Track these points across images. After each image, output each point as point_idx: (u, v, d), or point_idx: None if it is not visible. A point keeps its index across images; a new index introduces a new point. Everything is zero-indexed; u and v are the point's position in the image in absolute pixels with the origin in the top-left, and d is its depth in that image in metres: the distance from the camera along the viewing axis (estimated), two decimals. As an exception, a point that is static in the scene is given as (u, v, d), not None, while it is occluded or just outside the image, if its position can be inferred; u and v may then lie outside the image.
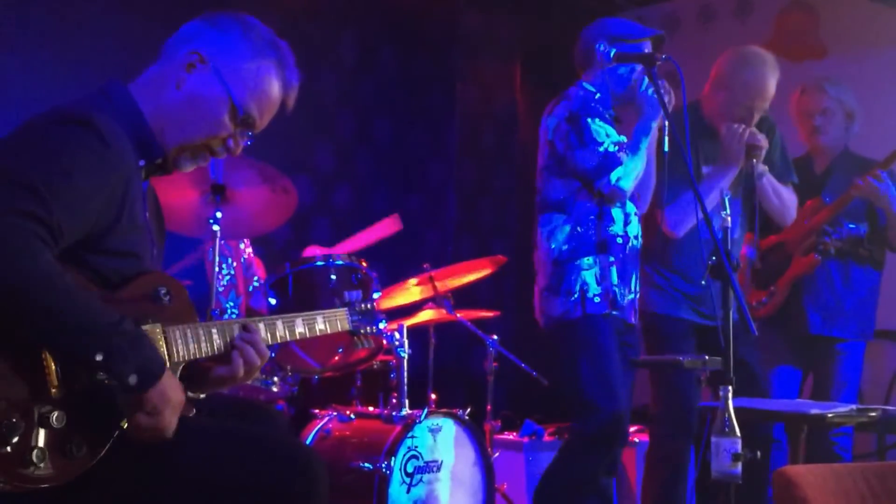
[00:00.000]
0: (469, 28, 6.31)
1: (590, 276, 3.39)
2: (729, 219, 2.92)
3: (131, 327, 1.86)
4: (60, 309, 1.76)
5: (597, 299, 3.38)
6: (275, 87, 2.16)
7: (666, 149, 3.34)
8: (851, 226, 4.14)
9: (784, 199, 3.87)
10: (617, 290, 3.41)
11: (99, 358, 1.79)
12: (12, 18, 4.19)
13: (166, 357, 1.97)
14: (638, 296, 3.55)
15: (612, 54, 3.42)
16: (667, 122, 3.27)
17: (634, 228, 3.52)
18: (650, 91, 3.38)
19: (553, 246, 3.44)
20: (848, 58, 5.27)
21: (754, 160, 3.68)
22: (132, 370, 1.82)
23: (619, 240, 3.44)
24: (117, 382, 1.83)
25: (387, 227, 4.45)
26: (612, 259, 3.41)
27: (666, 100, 3.32)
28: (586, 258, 3.40)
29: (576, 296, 3.39)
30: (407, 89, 6.03)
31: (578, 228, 3.42)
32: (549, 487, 3.45)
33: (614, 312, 3.41)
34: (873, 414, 3.18)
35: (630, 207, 3.50)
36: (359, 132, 5.77)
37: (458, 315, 4.15)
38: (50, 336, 1.79)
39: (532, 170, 3.60)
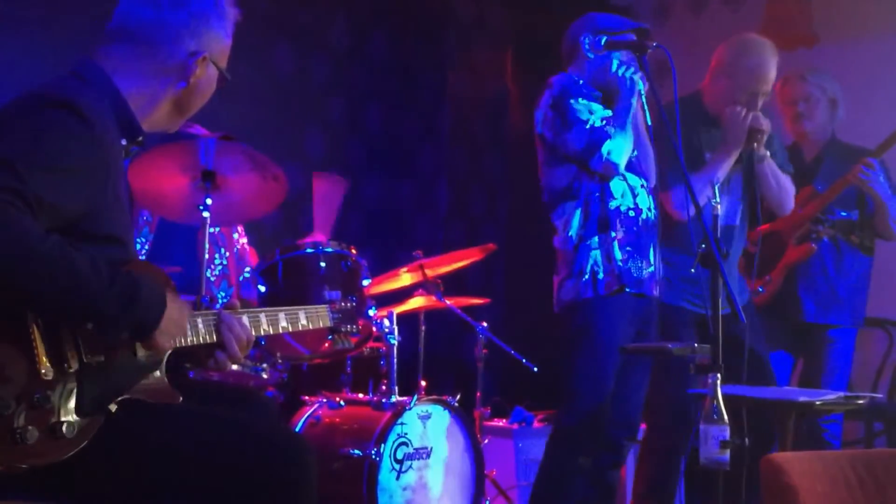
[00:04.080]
0: (461, 15, 6.30)
1: (599, 256, 3.39)
2: (719, 206, 2.94)
3: (122, 287, 1.87)
4: (42, 277, 1.77)
5: (606, 279, 3.38)
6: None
7: (649, 122, 3.38)
8: (843, 213, 4.17)
9: (783, 185, 3.86)
10: (627, 264, 3.39)
11: (89, 325, 1.86)
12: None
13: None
14: (660, 269, 3.53)
15: (602, 41, 3.44)
16: (644, 99, 3.32)
17: (645, 200, 3.50)
18: (621, 71, 3.40)
19: (571, 233, 3.44)
20: (839, 46, 5.27)
21: (755, 143, 3.69)
22: (124, 330, 1.90)
23: (632, 213, 3.44)
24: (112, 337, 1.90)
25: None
26: (613, 234, 3.39)
27: (645, 82, 3.37)
28: (594, 238, 3.40)
29: (587, 276, 3.39)
30: (398, 76, 6.02)
31: (588, 209, 3.42)
32: (542, 481, 3.47)
33: (627, 290, 3.39)
34: (861, 401, 3.19)
35: (634, 180, 3.48)
36: (350, 119, 5.76)
37: (448, 302, 4.15)
38: (37, 305, 1.82)
39: (523, 157, 3.61)
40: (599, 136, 3.35)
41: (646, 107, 3.39)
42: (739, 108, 3.68)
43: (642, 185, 3.51)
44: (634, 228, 3.43)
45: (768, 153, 3.78)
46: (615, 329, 3.39)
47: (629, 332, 3.45)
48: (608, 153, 3.34)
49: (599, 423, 3.38)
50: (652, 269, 3.48)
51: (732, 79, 3.75)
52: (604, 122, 3.37)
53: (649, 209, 3.50)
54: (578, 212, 3.43)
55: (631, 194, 3.46)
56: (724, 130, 3.71)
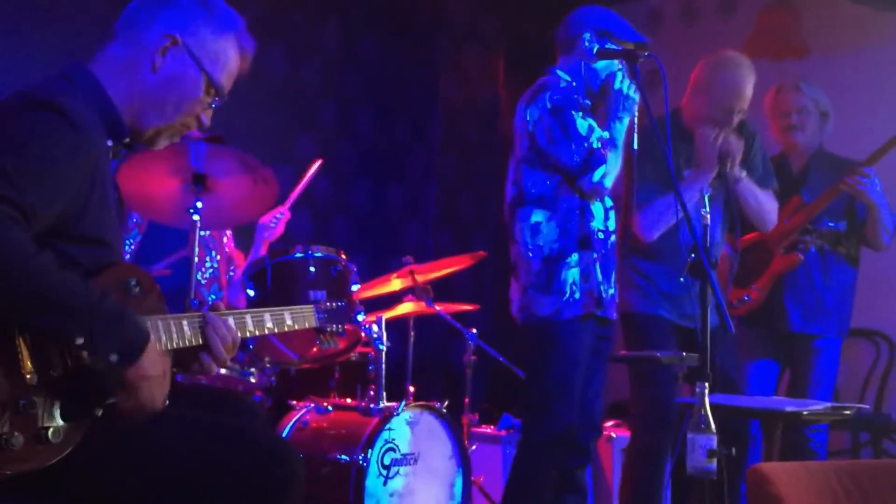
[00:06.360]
0: (453, 19, 6.30)
1: (577, 275, 3.36)
2: (708, 216, 2.95)
3: (111, 305, 1.86)
4: (35, 291, 1.77)
5: (583, 299, 3.35)
6: (237, 59, 2.24)
7: (636, 146, 3.37)
8: (830, 223, 4.18)
9: (763, 203, 3.88)
10: (601, 287, 3.38)
11: (79, 341, 1.81)
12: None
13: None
14: (617, 291, 3.52)
15: (594, 50, 3.42)
16: (636, 120, 3.29)
17: (613, 223, 3.49)
18: (625, 87, 3.36)
19: (541, 243, 3.38)
20: (829, 57, 5.30)
21: (728, 165, 3.70)
22: (113, 350, 1.85)
23: (601, 234, 3.41)
24: (99, 361, 1.84)
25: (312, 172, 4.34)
26: (595, 255, 3.38)
27: (637, 93, 3.35)
28: (572, 255, 3.36)
29: (567, 295, 3.34)
30: (389, 80, 6.01)
31: (566, 225, 3.37)
32: (513, 493, 3.45)
33: (599, 312, 3.39)
34: (848, 412, 3.20)
35: (608, 202, 3.47)
36: (341, 123, 5.75)
37: (438, 308, 4.15)
38: (26, 318, 1.80)
39: (514, 164, 3.59)
40: (597, 158, 3.31)
41: (635, 127, 3.36)
42: (710, 129, 3.69)
43: (611, 208, 3.50)
44: (603, 251, 3.42)
45: (744, 172, 3.79)
46: (583, 346, 3.39)
47: (591, 346, 3.44)
48: (602, 177, 3.31)
49: (571, 436, 3.37)
50: (612, 291, 3.47)
51: (709, 95, 3.79)
52: (601, 144, 3.33)
53: (614, 232, 3.50)
54: (554, 224, 3.38)
55: (603, 216, 3.44)
56: (696, 152, 3.74)
